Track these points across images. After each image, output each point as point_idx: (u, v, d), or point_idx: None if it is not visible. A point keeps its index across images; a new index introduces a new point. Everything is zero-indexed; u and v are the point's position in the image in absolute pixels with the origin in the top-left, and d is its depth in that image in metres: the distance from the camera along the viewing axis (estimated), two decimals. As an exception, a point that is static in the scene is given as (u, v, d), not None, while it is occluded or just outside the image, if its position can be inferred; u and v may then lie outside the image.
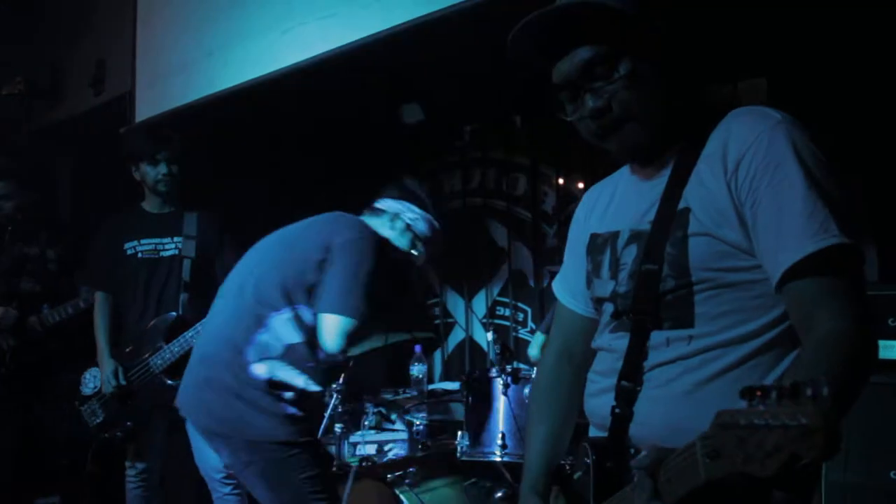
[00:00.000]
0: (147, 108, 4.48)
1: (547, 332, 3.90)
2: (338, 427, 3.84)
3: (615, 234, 1.59)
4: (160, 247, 3.82)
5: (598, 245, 1.65)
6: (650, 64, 1.47)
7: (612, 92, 1.47)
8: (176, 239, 3.83)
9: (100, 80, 5.26)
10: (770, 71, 3.71)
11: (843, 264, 1.30)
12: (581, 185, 4.99)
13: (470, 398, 3.38)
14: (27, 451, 4.31)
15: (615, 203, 1.67)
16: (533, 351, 4.01)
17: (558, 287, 1.85)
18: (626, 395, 1.47)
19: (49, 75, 5.54)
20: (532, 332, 5.11)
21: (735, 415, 0.92)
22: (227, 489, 2.83)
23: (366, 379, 4.37)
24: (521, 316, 5.26)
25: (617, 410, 1.48)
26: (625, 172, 1.69)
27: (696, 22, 1.68)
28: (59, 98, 5.52)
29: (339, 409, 3.79)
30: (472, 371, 3.70)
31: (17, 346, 4.08)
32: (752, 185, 1.36)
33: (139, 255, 3.81)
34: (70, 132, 5.49)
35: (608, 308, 1.59)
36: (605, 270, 1.60)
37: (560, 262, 1.88)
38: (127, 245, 3.82)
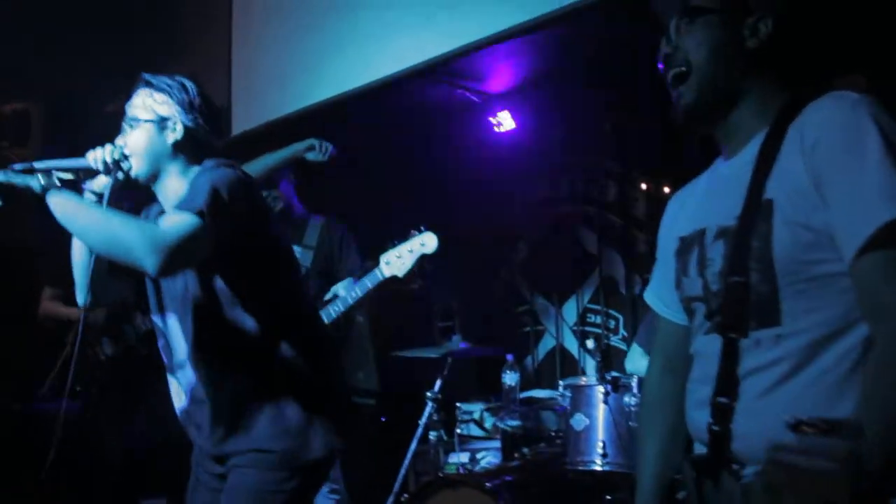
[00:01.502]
0: (243, 121, 4.60)
1: (642, 344, 3.87)
2: (433, 435, 3.88)
3: (702, 232, 1.56)
4: None
5: (686, 246, 1.62)
6: (736, 26, 1.51)
7: (683, 40, 1.54)
8: (295, 248, 3.85)
9: (195, 95, 5.41)
10: (869, 68, 3.61)
11: None
12: (667, 190, 4.93)
13: (568, 407, 3.35)
14: (133, 452, 4.44)
15: (701, 202, 1.64)
16: (630, 364, 3.95)
17: (650, 296, 1.82)
18: (723, 412, 1.44)
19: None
20: (624, 339, 5.06)
21: (784, 451, 0.90)
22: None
23: (458, 387, 4.39)
24: (612, 323, 5.21)
25: (715, 428, 1.45)
26: (710, 171, 1.67)
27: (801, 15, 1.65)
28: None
29: (434, 418, 3.82)
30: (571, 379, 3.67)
31: (115, 354, 4.21)
32: (829, 162, 1.34)
33: None
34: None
35: (699, 308, 1.56)
36: (693, 268, 1.57)
37: (651, 268, 1.86)
38: None
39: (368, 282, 3.37)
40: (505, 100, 4.67)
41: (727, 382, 1.44)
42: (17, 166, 1.95)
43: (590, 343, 3.44)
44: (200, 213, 1.88)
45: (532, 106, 4.81)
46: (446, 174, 5.14)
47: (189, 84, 2.20)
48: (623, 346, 5.00)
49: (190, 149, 2.16)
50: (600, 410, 3.23)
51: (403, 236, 3.31)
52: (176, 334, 2.20)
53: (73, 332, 4.14)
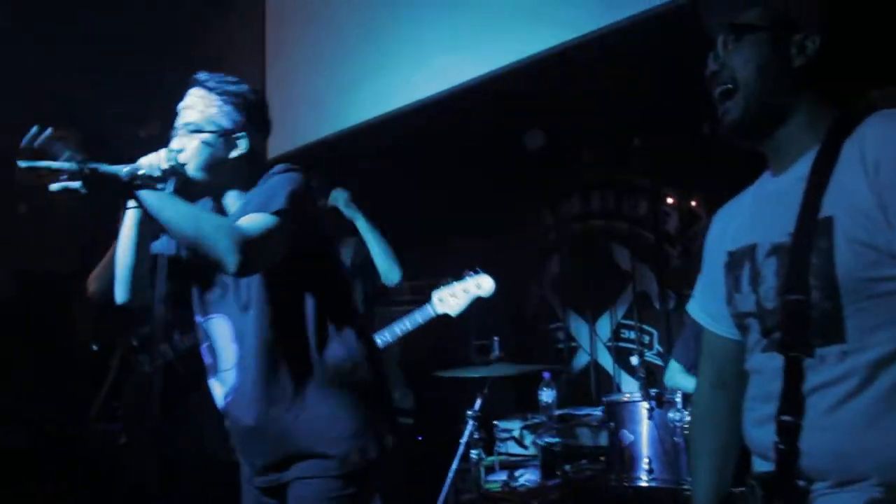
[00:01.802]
0: (279, 144, 4.63)
1: (680, 359, 3.86)
2: (473, 453, 3.88)
3: (752, 248, 1.55)
4: None
5: (736, 261, 1.61)
6: (783, 43, 1.52)
7: (729, 57, 1.55)
8: None
9: (229, 119, 5.48)
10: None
11: None
12: (695, 204, 4.95)
13: (612, 423, 3.36)
14: (170, 470, 4.48)
15: (749, 217, 1.63)
16: (668, 380, 3.95)
17: (696, 310, 1.81)
18: (788, 430, 1.43)
19: (182, 116, 5.79)
20: (659, 354, 5.05)
21: None
22: None
23: (495, 405, 4.39)
24: (646, 338, 5.21)
25: (781, 446, 1.43)
26: (756, 186, 1.66)
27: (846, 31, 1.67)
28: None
29: (475, 436, 3.82)
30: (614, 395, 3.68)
31: (152, 371, 4.25)
32: (893, 185, 1.33)
33: None
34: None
35: (754, 325, 1.55)
36: (746, 284, 1.56)
37: (688, 284, 1.85)
38: None
39: (419, 317, 3.44)
40: (536, 117, 4.69)
41: (792, 400, 1.43)
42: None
43: (634, 360, 3.44)
44: (279, 214, 1.86)
45: (563, 123, 4.83)
46: (480, 192, 5.17)
47: (249, 91, 2.13)
48: (658, 361, 4.99)
49: (250, 159, 2.10)
50: (645, 426, 3.23)
51: (457, 275, 3.37)
52: (223, 337, 2.14)
53: (116, 356, 4.20)
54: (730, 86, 1.54)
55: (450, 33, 3.70)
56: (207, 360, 2.21)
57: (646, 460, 3.17)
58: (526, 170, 5.31)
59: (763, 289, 1.51)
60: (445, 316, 3.39)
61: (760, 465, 1.54)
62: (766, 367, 1.51)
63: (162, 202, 1.87)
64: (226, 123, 2.06)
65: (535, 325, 5.70)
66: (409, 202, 5.15)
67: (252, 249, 1.81)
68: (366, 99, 4.09)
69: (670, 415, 3.18)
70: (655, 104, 4.51)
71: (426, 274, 4.99)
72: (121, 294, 2.08)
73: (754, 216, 1.61)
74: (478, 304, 5.42)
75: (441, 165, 4.93)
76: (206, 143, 2.04)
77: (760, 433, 1.51)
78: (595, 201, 5.49)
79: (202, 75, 2.12)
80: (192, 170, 2.02)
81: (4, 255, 5.50)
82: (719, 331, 1.74)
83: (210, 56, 5.66)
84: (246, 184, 2.08)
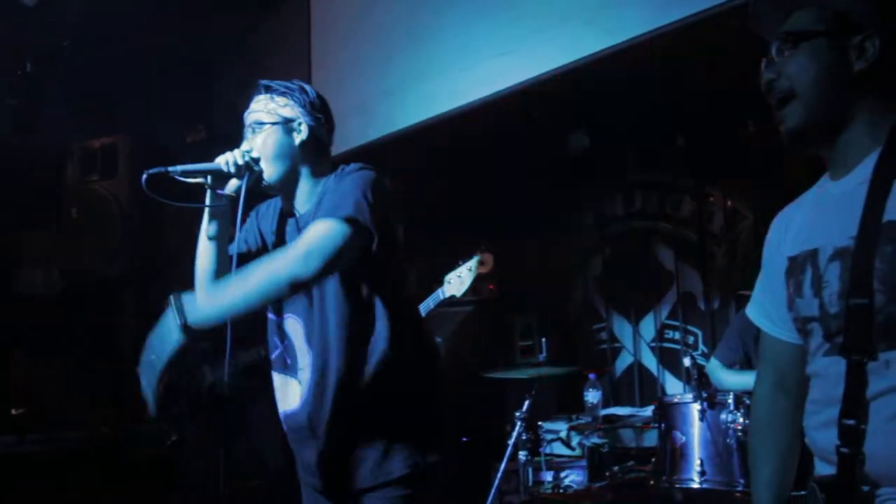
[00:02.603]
0: (326, 148, 4.68)
1: (721, 358, 3.85)
2: (522, 455, 3.91)
3: (814, 252, 1.55)
4: None
5: (797, 266, 1.60)
6: (842, 48, 1.50)
7: (785, 65, 1.53)
8: None
9: (276, 123, 5.54)
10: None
11: None
12: (739, 202, 4.92)
13: (663, 424, 3.36)
14: (226, 479, 4.54)
15: (810, 221, 1.62)
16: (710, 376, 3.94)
17: (755, 314, 1.81)
18: (851, 434, 1.42)
19: (228, 121, 5.87)
20: (704, 355, 5.02)
21: None
22: None
23: (542, 405, 4.41)
24: (691, 339, 5.18)
25: (844, 450, 1.43)
26: (816, 190, 1.65)
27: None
28: (238, 142, 5.84)
29: (523, 437, 3.85)
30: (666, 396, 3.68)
31: (215, 382, 4.31)
32: None
33: None
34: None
35: (816, 329, 1.54)
36: (808, 289, 1.55)
37: (731, 284, 1.86)
38: None
39: (431, 301, 3.47)
40: (579, 118, 4.70)
41: (855, 404, 1.43)
42: (153, 171, 2.06)
43: (686, 361, 3.43)
44: (349, 220, 1.94)
45: (605, 123, 4.83)
46: (523, 194, 5.19)
47: (307, 86, 2.27)
48: (702, 362, 4.95)
49: (315, 148, 2.23)
50: (697, 428, 3.22)
51: (468, 256, 3.39)
52: (297, 337, 2.22)
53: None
54: (788, 93, 1.54)
55: (495, 37, 3.72)
56: (285, 359, 2.28)
57: (698, 462, 3.16)
58: (569, 171, 5.31)
59: (826, 293, 1.50)
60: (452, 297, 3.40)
61: (822, 469, 1.54)
62: (828, 372, 1.51)
63: (226, 292, 1.98)
64: (285, 113, 2.20)
65: (579, 327, 5.69)
66: (454, 204, 5.18)
67: (322, 260, 1.90)
68: (411, 103, 4.12)
69: (722, 416, 3.18)
70: (699, 102, 4.49)
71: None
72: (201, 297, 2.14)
73: (815, 221, 1.60)
74: (522, 306, 5.48)
75: (485, 168, 4.95)
76: (270, 134, 2.18)
77: (823, 436, 1.51)
78: (638, 201, 5.47)
79: (262, 81, 2.26)
80: (264, 161, 2.17)
81: (55, 257, 5.62)
82: (780, 335, 1.74)
83: (255, 64, 5.73)
84: (314, 175, 2.22)
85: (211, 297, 2.02)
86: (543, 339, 4.16)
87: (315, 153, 2.23)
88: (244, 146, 2.20)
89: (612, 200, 5.58)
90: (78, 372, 6.03)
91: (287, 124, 2.19)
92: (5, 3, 5.23)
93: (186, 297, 1.97)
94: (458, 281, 3.36)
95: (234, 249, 2.26)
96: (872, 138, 1.50)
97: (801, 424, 1.63)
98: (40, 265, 6.01)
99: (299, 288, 1.99)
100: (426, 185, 4.90)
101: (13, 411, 5.60)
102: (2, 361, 6.26)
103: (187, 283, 2.17)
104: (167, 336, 1.95)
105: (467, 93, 3.76)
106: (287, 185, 2.22)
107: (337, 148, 4.59)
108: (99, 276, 5.25)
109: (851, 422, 1.43)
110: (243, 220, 2.27)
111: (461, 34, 3.89)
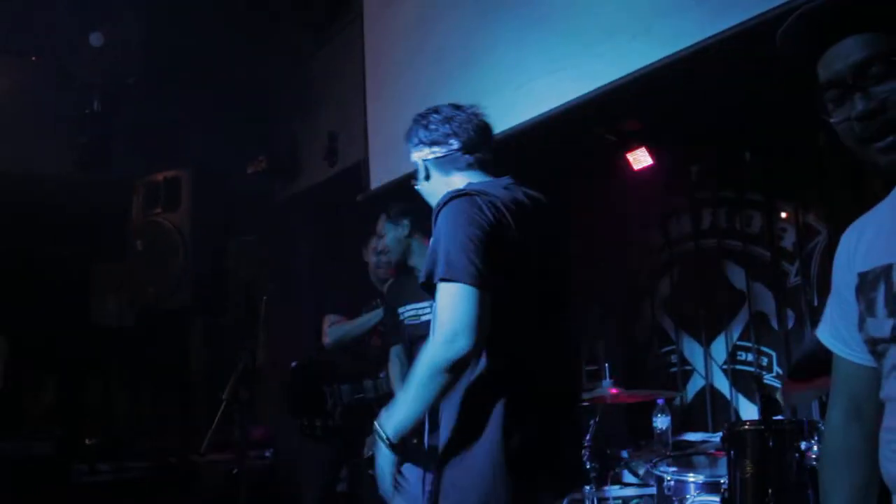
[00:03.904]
0: (381, 175, 4.69)
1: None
2: (587, 486, 3.79)
3: (888, 268, 1.45)
4: (421, 311, 3.74)
5: (868, 283, 1.50)
6: None
7: (888, 93, 1.37)
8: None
9: (332, 152, 5.61)
10: None
11: None
12: (812, 217, 4.72)
13: (732, 452, 3.20)
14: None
15: (882, 235, 1.52)
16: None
17: (826, 336, 1.70)
18: None
19: (287, 151, 5.96)
20: (778, 377, 4.83)
21: None
22: None
23: (610, 432, 4.29)
24: (765, 360, 4.98)
25: None
26: (887, 203, 1.55)
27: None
28: (298, 172, 5.93)
29: (588, 465, 3.73)
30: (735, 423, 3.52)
31: (350, 403, 4.30)
32: None
33: (405, 321, 3.80)
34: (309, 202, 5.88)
35: (889, 351, 1.44)
36: (881, 308, 1.45)
37: (805, 303, 1.75)
38: (399, 310, 3.83)
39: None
40: (640, 136, 4.59)
41: None
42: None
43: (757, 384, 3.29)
44: (465, 281, 1.91)
45: (668, 140, 4.71)
46: (587, 215, 5.10)
47: (426, 118, 2.37)
48: (777, 384, 4.77)
49: (451, 169, 2.32)
50: (767, 456, 3.07)
51: None
52: None
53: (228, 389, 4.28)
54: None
55: (549, 55, 3.67)
56: None
57: (769, 493, 3.01)
58: (633, 189, 5.20)
59: None
60: None
61: (899, 504, 1.43)
62: None
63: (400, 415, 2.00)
64: (415, 158, 2.39)
65: (648, 349, 5.54)
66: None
67: (465, 336, 1.88)
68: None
69: (795, 444, 3.02)
70: (766, 115, 4.34)
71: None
72: None
73: (888, 234, 1.50)
74: (588, 328, 5.36)
75: (545, 187, 4.88)
76: (420, 175, 2.39)
77: None
78: (706, 219, 5.31)
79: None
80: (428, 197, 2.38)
81: (123, 288, 5.77)
82: (853, 357, 1.62)
83: (312, 94, 5.81)
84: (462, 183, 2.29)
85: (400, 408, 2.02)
86: (607, 364, 4.05)
87: (453, 172, 2.33)
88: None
89: (679, 219, 5.43)
90: (147, 402, 6.16)
91: (421, 167, 2.37)
92: (74, 43, 5.43)
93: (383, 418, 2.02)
94: None
95: None
96: None
97: (877, 453, 1.52)
98: (113, 296, 6.17)
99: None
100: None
101: (87, 441, 5.75)
102: (76, 393, 6.43)
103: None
104: (384, 462, 2.01)
105: (522, 112, 3.71)
106: None
107: (395, 172, 4.66)
108: (164, 308, 5.35)
109: None
110: None
111: (514, 53, 3.87)
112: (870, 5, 1.37)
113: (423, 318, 3.67)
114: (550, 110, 3.57)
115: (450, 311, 1.90)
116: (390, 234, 3.81)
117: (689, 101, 3.82)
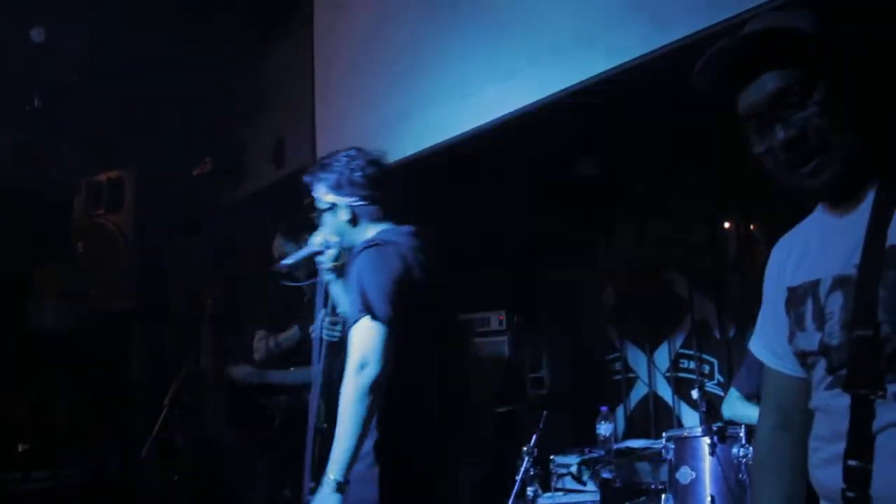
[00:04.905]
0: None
1: (740, 387, 3.73)
2: (530, 490, 3.81)
3: (815, 283, 1.48)
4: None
5: (798, 297, 1.54)
6: (844, 90, 1.40)
7: (805, 120, 1.40)
8: None
9: (280, 155, 5.56)
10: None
11: None
12: (753, 228, 4.82)
13: (672, 459, 3.25)
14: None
15: (811, 251, 1.56)
16: (727, 409, 3.82)
17: (758, 347, 1.73)
18: (857, 476, 1.35)
19: (233, 154, 5.89)
20: (720, 384, 4.91)
21: None
22: None
23: (553, 439, 4.31)
24: (706, 368, 5.08)
25: (849, 494, 1.35)
26: (815, 219, 1.59)
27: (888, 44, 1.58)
28: (244, 174, 5.86)
29: (532, 472, 3.75)
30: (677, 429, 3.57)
31: (290, 416, 4.23)
32: None
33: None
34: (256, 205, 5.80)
35: (819, 363, 1.48)
36: (809, 322, 1.49)
37: (747, 312, 1.79)
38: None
39: None
40: (587, 147, 4.63)
41: (859, 442, 1.35)
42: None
43: (694, 393, 3.33)
44: (379, 319, 2.30)
45: (616, 152, 4.76)
46: (532, 222, 5.12)
47: (343, 162, 2.60)
48: (719, 392, 4.85)
49: (363, 215, 2.59)
50: (707, 463, 3.13)
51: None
52: None
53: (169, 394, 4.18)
54: (817, 146, 1.41)
55: (497, 64, 3.68)
56: None
57: (709, 499, 3.06)
58: (578, 198, 5.24)
59: (829, 326, 1.44)
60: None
61: (825, 511, 1.46)
62: (832, 406, 1.43)
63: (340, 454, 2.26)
64: (329, 200, 2.61)
65: (592, 357, 5.59)
66: (460, 234, 5.11)
67: (374, 364, 2.29)
68: (414, 132, 4.09)
69: (734, 450, 3.08)
70: (709, 126, 4.41)
71: (482, 307, 4.96)
72: None
73: (815, 250, 1.54)
74: (532, 337, 5.39)
75: (491, 196, 4.90)
76: (328, 218, 2.63)
77: (827, 475, 1.43)
78: (650, 228, 5.39)
79: (306, 177, 2.70)
80: (333, 240, 2.64)
81: (63, 291, 5.61)
82: (784, 369, 1.66)
83: (260, 95, 5.75)
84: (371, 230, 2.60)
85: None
86: (546, 371, 4.09)
87: (365, 218, 2.59)
88: (318, 235, 2.67)
89: (624, 228, 5.50)
90: (84, 408, 6.00)
91: (332, 208, 2.59)
92: (14, 39, 5.28)
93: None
94: None
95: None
96: (872, 164, 1.43)
97: (805, 462, 1.55)
98: (49, 300, 6.01)
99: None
100: (428, 214, 4.84)
101: (19, 447, 5.57)
102: (10, 397, 6.24)
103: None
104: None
105: (469, 120, 3.72)
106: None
107: (341, 178, 4.60)
108: (105, 311, 5.23)
109: (856, 463, 1.35)
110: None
111: (462, 63, 3.87)
112: (780, 41, 1.41)
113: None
114: (496, 119, 3.57)
115: (363, 343, 2.29)
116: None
117: (634, 112, 3.85)
